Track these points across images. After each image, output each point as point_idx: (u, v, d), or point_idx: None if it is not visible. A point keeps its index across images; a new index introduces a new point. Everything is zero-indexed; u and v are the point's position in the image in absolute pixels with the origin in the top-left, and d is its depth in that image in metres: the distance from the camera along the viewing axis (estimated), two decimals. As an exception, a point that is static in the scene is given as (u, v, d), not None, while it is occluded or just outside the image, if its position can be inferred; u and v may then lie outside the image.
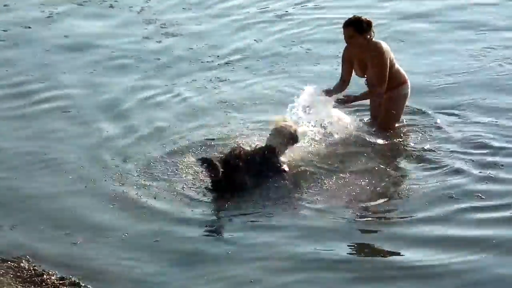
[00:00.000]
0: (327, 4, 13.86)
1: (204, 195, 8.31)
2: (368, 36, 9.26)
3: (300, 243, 7.53)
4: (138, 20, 13.24)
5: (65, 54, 11.99)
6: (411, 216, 7.95)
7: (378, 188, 8.46)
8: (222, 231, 7.82)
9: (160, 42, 12.40)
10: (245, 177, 8.40)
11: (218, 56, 11.84)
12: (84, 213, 8.00)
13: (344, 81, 9.58)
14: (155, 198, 8.21)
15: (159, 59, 11.75)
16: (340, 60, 9.60)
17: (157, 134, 9.59)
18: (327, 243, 7.52)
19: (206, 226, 7.84)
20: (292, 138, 8.79)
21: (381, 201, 8.27)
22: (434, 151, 9.12)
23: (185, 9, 13.75)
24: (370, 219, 8.00)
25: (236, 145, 8.79)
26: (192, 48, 12.14)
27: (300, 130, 8.93)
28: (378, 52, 9.30)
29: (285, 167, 8.70)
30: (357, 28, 9.23)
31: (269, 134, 8.85)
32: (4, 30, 12.82)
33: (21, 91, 10.74)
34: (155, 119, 9.95)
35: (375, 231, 7.79)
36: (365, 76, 9.48)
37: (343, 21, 9.29)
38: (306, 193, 8.38)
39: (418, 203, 8.16)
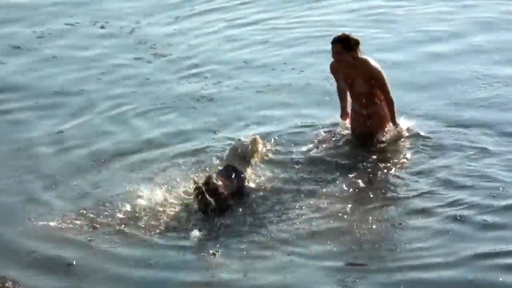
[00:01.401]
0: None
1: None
2: (355, 54, 9.38)
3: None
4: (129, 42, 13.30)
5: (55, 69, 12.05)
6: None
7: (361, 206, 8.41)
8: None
9: (150, 62, 12.38)
10: (228, 200, 8.34)
11: (206, 77, 11.79)
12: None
13: (343, 93, 9.77)
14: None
15: (148, 79, 11.73)
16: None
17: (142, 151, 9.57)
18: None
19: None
20: (245, 155, 8.71)
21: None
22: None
23: (175, 30, 13.79)
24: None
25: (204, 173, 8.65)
26: (181, 68, 12.14)
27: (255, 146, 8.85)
28: (372, 69, 9.41)
29: (248, 182, 8.62)
30: (344, 46, 9.36)
31: (226, 153, 8.87)
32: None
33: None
34: (141, 134, 9.99)
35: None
36: (354, 89, 9.55)
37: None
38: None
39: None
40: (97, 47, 12.96)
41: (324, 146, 9.55)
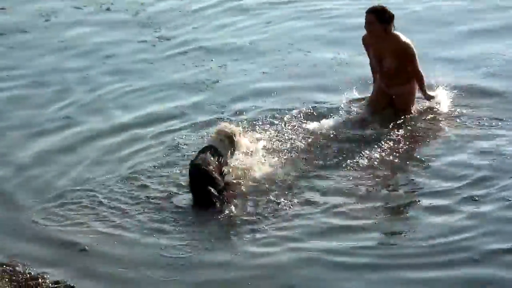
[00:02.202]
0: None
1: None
2: (388, 28, 9.37)
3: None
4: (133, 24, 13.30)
5: (60, 58, 11.99)
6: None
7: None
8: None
9: (154, 46, 12.40)
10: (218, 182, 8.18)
11: (211, 60, 11.76)
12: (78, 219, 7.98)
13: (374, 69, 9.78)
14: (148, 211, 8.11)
15: (152, 63, 11.72)
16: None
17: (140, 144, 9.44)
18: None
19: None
20: (230, 140, 8.49)
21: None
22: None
23: (181, 13, 13.79)
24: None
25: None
26: (187, 52, 12.13)
27: (240, 138, 8.63)
28: (403, 45, 9.39)
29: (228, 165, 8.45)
30: (378, 17, 9.36)
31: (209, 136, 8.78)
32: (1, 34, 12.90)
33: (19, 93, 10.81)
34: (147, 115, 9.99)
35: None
36: (382, 65, 9.55)
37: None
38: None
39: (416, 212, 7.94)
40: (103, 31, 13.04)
41: (337, 126, 9.47)
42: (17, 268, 7.11)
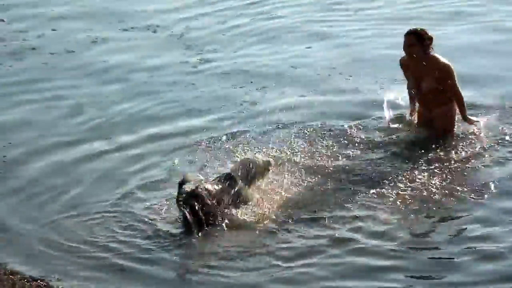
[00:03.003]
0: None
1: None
2: (427, 50, 9.40)
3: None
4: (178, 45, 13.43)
5: (102, 79, 12.11)
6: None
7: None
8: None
9: (195, 67, 12.47)
10: (216, 211, 8.03)
11: (251, 82, 11.82)
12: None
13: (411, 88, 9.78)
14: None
15: (193, 84, 11.79)
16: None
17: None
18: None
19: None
20: (248, 170, 8.34)
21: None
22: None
23: (224, 35, 13.90)
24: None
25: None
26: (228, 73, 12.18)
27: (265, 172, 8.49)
28: (443, 66, 9.39)
29: (246, 198, 8.25)
30: (418, 38, 9.38)
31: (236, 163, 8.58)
32: (50, 53, 13.07)
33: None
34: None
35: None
36: (421, 87, 9.52)
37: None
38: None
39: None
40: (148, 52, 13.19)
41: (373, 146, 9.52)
42: (50, 283, 7.17)
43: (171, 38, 13.73)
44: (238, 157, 8.91)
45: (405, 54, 9.59)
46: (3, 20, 14.43)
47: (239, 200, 8.19)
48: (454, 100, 9.53)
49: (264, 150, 9.26)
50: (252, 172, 8.36)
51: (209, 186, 8.06)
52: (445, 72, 9.42)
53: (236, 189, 8.17)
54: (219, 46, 13.30)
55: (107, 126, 10.41)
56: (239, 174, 8.28)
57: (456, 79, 9.46)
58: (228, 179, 8.22)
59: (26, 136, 10.06)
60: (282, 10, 14.90)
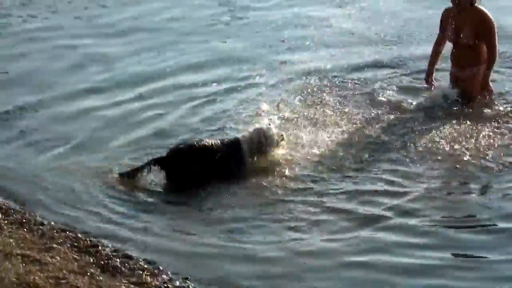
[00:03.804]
0: None
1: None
2: (474, 1, 9.25)
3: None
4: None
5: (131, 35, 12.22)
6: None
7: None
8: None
9: (228, 24, 12.51)
10: (193, 168, 8.01)
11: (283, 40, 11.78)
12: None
13: (439, 44, 9.67)
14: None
15: (225, 42, 11.81)
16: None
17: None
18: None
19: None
20: (257, 142, 8.24)
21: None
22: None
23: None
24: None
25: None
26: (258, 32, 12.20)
27: (275, 140, 8.32)
28: (484, 18, 9.26)
29: (247, 164, 8.20)
30: None
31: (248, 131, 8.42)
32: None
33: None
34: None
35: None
36: (458, 40, 9.39)
37: None
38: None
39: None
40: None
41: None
42: (78, 234, 7.22)
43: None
44: (255, 124, 8.68)
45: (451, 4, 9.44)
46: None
47: (240, 168, 8.15)
48: (488, 54, 9.37)
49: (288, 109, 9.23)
50: (264, 144, 8.26)
51: (208, 143, 8.08)
52: (486, 26, 9.29)
53: (239, 156, 8.14)
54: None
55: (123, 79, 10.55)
56: (250, 143, 8.21)
57: (495, 35, 9.30)
58: (235, 144, 8.20)
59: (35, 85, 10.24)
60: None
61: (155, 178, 8.13)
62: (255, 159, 8.29)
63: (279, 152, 8.39)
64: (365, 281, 6.56)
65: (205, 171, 8.05)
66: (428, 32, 11.01)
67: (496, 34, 9.32)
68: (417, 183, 7.95)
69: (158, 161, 8.06)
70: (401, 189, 7.84)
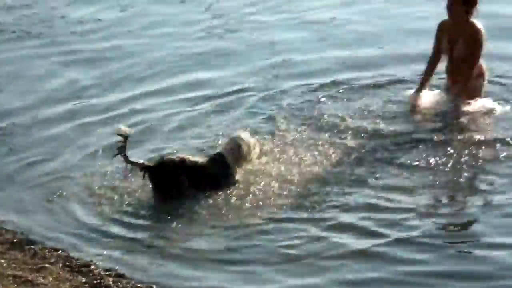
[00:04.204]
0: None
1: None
2: (470, 11, 9.21)
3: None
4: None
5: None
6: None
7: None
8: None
9: (222, 38, 12.48)
10: (183, 181, 7.96)
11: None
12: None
13: (435, 58, 9.59)
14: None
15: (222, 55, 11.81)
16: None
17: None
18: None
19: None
20: (238, 150, 8.14)
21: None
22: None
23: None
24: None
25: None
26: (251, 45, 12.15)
27: (254, 149, 8.25)
28: (476, 31, 9.22)
29: (236, 176, 8.12)
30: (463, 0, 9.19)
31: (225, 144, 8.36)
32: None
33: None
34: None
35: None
36: (452, 53, 9.37)
37: None
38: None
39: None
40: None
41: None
42: (71, 254, 7.17)
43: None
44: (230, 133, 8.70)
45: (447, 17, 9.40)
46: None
47: (230, 181, 8.10)
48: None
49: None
50: (244, 150, 8.18)
51: (192, 159, 8.03)
52: (476, 37, 9.24)
53: (226, 169, 8.09)
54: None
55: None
56: (232, 153, 8.14)
57: (481, 48, 9.25)
58: (220, 157, 8.14)
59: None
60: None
61: (146, 197, 8.08)
62: (242, 166, 8.22)
63: (260, 157, 8.37)
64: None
65: (194, 185, 7.99)
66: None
67: (481, 49, 9.27)
68: (414, 196, 7.86)
69: (147, 168, 7.98)
70: (397, 204, 7.75)
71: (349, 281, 6.67)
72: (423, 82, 9.62)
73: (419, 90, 9.59)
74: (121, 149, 7.91)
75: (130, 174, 8.16)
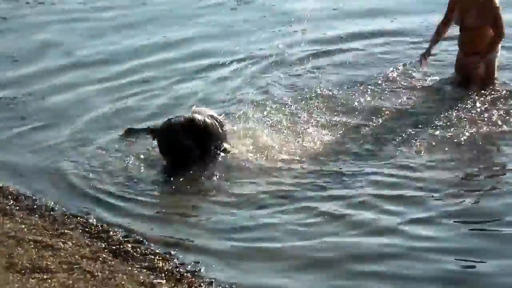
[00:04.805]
0: None
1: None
2: None
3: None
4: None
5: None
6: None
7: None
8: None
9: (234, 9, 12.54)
10: (190, 144, 7.99)
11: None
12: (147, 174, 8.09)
13: (444, 24, 9.59)
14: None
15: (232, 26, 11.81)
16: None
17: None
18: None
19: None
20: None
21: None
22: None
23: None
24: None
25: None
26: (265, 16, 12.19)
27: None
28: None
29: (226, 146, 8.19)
30: None
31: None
32: None
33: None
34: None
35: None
36: (464, 22, 9.34)
37: None
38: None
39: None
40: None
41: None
42: (90, 220, 7.25)
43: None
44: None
45: None
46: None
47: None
48: (493, 39, 9.28)
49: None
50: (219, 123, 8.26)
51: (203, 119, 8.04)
52: (490, 6, 9.21)
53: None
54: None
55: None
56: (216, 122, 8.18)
57: (500, 16, 9.21)
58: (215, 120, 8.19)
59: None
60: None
61: (161, 163, 8.14)
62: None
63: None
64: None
65: (199, 147, 8.02)
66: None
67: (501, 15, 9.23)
68: (418, 182, 7.72)
69: (152, 131, 8.01)
70: (414, 183, 7.69)
71: (365, 256, 6.65)
72: (431, 43, 9.67)
73: (427, 52, 9.63)
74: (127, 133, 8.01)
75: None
